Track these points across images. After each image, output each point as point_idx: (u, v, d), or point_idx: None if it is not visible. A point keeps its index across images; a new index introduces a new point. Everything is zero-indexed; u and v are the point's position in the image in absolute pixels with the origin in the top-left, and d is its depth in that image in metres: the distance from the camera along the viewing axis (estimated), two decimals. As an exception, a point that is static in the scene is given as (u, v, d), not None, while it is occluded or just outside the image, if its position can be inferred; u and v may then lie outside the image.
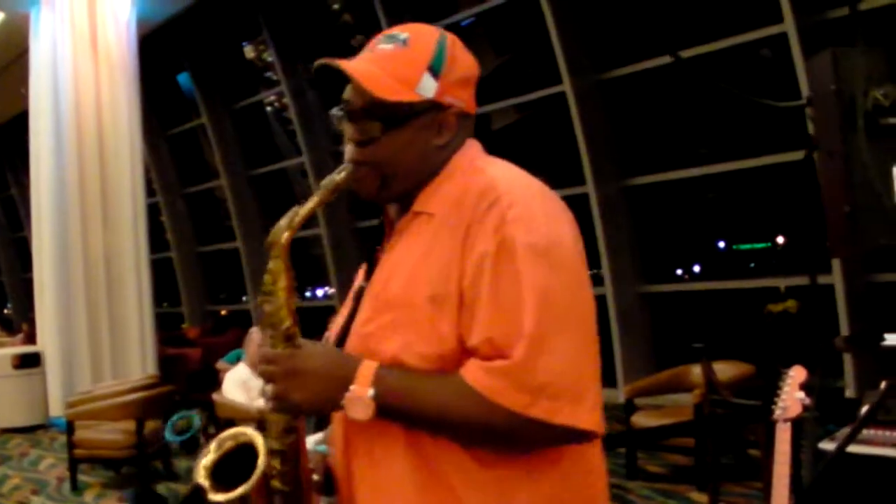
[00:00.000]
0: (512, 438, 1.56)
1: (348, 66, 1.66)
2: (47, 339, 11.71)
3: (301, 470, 1.70)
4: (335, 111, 1.74)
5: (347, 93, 1.71)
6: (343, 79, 1.69)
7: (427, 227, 1.67)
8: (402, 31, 1.72)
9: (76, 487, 7.96)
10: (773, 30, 8.66)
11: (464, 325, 1.57)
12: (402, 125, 1.67)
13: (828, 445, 3.88)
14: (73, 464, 8.02)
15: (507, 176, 1.68)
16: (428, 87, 1.66)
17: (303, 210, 1.66)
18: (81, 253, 11.63)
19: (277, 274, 1.64)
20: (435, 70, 1.67)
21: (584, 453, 1.66)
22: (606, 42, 10.58)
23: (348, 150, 1.71)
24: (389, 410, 1.57)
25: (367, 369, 1.57)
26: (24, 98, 12.87)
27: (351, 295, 1.80)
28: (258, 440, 1.65)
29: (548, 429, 1.53)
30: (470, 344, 1.56)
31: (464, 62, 1.73)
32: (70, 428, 8.01)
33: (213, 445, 1.69)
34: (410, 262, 1.64)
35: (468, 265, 1.57)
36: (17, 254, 24.57)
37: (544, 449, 1.61)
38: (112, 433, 7.97)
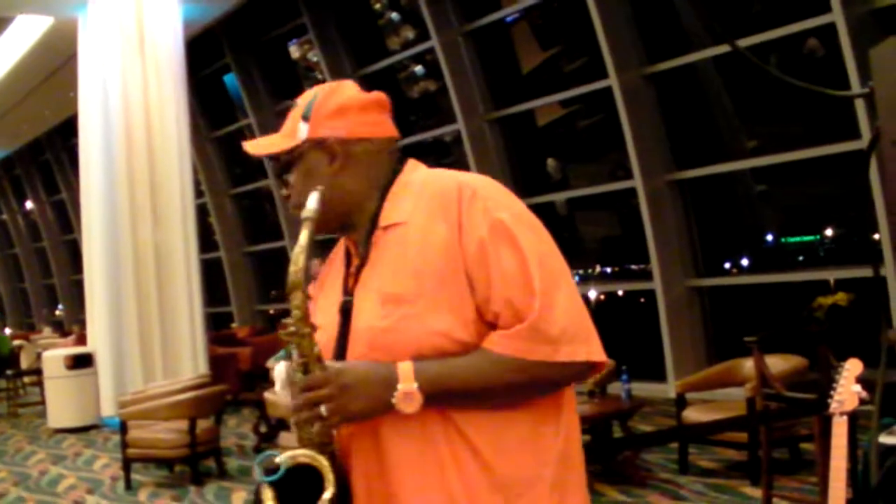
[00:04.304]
0: (546, 383, 1.82)
1: (258, 145, 2.06)
2: (99, 340, 11.87)
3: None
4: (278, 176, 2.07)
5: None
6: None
7: (405, 232, 1.87)
8: (300, 98, 2.03)
9: (130, 486, 8.05)
10: (821, 20, 8.55)
11: (480, 298, 1.79)
12: (294, 166, 1.98)
13: (886, 439, 3.83)
14: (127, 463, 8.11)
15: (467, 175, 1.93)
16: (303, 131, 1.96)
17: (297, 248, 1.84)
18: (131, 253, 11.70)
19: (302, 308, 1.80)
20: (306, 117, 1.97)
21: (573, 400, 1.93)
22: (652, 35, 10.52)
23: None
24: (435, 397, 1.76)
25: (406, 367, 1.76)
26: (73, 102, 13.02)
27: (330, 310, 1.95)
28: (322, 462, 1.78)
29: (572, 367, 1.79)
30: (492, 311, 1.79)
31: (334, 100, 1.99)
32: (123, 428, 8.10)
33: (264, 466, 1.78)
34: (408, 261, 1.84)
35: (469, 248, 1.80)
36: (68, 256, 24.89)
37: (559, 394, 1.87)
38: (165, 432, 8.05)
